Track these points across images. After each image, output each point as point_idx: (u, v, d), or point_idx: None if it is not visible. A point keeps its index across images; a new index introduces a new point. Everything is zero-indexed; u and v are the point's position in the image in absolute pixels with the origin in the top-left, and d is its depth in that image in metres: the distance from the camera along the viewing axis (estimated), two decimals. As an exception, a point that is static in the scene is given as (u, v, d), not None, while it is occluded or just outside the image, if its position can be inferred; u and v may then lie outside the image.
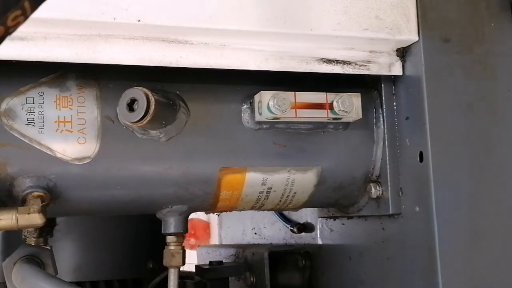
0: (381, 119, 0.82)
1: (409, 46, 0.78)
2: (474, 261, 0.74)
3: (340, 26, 0.74)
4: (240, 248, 1.16)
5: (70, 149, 0.70)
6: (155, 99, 0.66)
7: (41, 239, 0.81)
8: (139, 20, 0.67)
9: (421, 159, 0.76)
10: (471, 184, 0.76)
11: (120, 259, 0.99)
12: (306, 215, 1.08)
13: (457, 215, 0.74)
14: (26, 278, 0.68)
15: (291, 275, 1.06)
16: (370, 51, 0.79)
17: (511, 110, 0.79)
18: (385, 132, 0.82)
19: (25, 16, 0.39)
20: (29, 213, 0.64)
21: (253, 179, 0.79)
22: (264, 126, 0.77)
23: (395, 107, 0.82)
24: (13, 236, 0.90)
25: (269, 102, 0.72)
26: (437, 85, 0.76)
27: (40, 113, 0.69)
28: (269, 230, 1.23)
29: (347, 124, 0.81)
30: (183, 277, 1.10)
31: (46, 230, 0.82)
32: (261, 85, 0.75)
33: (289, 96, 0.73)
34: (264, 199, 0.83)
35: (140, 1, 0.67)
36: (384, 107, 0.82)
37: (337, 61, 0.77)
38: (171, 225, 0.79)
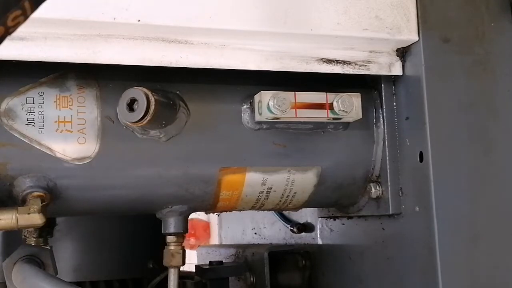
0: (381, 119, 0.82)
1: (409, 46, 0.78)
2: (474, 261, 0.74)
3: (340, 26, 0.74)
4: (240, 248, 1.16)
5: (70, 149, 0.70)
6: (155, 99, 0.66)
7: (41, 239, 0.81)
8: (139, 20, 0.67)
9: (421, 159, 0.76)
10: (471, 184, 0.76)
11: (120, 259, 0.99)
12: (306, 215, 1.08)
13: (457, 215, 0.74)
14: (26, 278, 0.68)
15: (291, 275, 1.06)
16: (370, 51, 0.79)
17: (511, 110, 0.79)
18: (385, 132, 0.82)
19: (25, 16, 0.39)
20: (29, 213, 0.64)
21: (253, 179, 0.79)
22: (264, 126, 0.77)
23: (395, 107, 0.82)
24: (13, 236, 0.90)
25: (269, 102, 0.72)
26: (437, 85, 0.76)
27: (40, 113, 0.69)
28: (269, 230, 1.23)
29: (347, 124, 0.81)
30: (183, 277, 1.10)
31: (46, 230, 0.82)
32: (261, 85, 0.75)
33: (289, 96, 0.73)
34: (264, 199, 0.83)
35: (140, 1, 0.67)
36: (384, 107, 0.82)
37: (337, 61, 0.77)
38: (171, 225, 0.79)
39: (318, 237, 1.02)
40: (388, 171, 0.81)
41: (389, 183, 0.81)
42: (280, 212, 1.14)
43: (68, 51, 0.67)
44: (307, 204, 0.88)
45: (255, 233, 1.29)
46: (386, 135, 0.82)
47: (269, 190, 0.81)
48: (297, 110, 0.74)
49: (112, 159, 0.72)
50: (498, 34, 0.79)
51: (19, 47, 0.65)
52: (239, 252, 1.15)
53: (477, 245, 0.75)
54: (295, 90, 0.74)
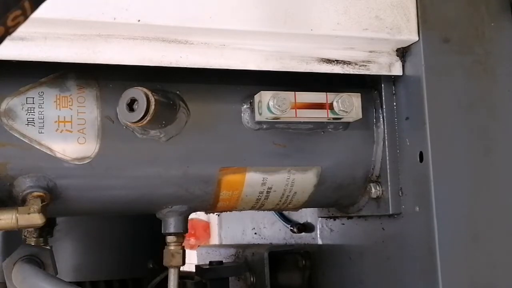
0: (381, 119, 0.82)
1: (409, 46, 0.78)
2: (474, 261, 0.74)
3: (340, 26, 0.74)
4: (240, 248, 1.16)
5: (70, 149, 0.70)
6: (155, 99, 0.66)
7: (41, 239, 0.81)
8: (139, 20, 0.67)
9: (421, 159, 0.76)
10: (471, 184, 0.76)
11: (120, 259, 0.99)
12: (306, 215, 1.08)
13: (457, 215, 0.74)
14: (26, 278, 0.68)
15: (291, 275, 1.06)
16: (370, 51, 0.79)
17: (511, 110, 0.79)
18: (385, 132, 0.82)
19: (25, 16, 0.39)
20: (29, 213, 0.64)
21: (253, 179, 0.79)
22: (264, 126, 0.77)
23: (395, 107, 0.82)
24: (13, 236, 0.90)
25: (269, 102, 0.72)
26: (437, 85, 0.76)
27: (40, 113, 0.69)
28: (269, 230, 1.23)
29: (347, 124, 0.81)
30: (183, 277, 1.10)
31: (46, 230, 0.82)
32: (261, 85, 0.75)
33: (289, 96, 0.73)
34: (264, 199, 0.83)
35: (140, 1, 0.67)
36: (384, 107, 0.82)
37: (337, 61, 0.77)
38: (171, 225, 0.79)
39: (318, 237, 1.02)
40: (388, 171, 0.81)
41: (389, 183, 0.81)
42: (280, 212, 1.14)
43: (68, 51, 0.67)
44: (307, 204, 0.88)
45: (255, 233, 1.29)
46: (386, 135, 0.82)
47: (269, 190, 0.81)
48: (297, 110, 0.74)
49: (112, 159, 0.72)
50: (498, 34, 0.79)
51: (19, 47, 0.65)
52: (239, 252, 1.15)
53: (477, 245, 0.75)
54: (295, 90, 0.74)
